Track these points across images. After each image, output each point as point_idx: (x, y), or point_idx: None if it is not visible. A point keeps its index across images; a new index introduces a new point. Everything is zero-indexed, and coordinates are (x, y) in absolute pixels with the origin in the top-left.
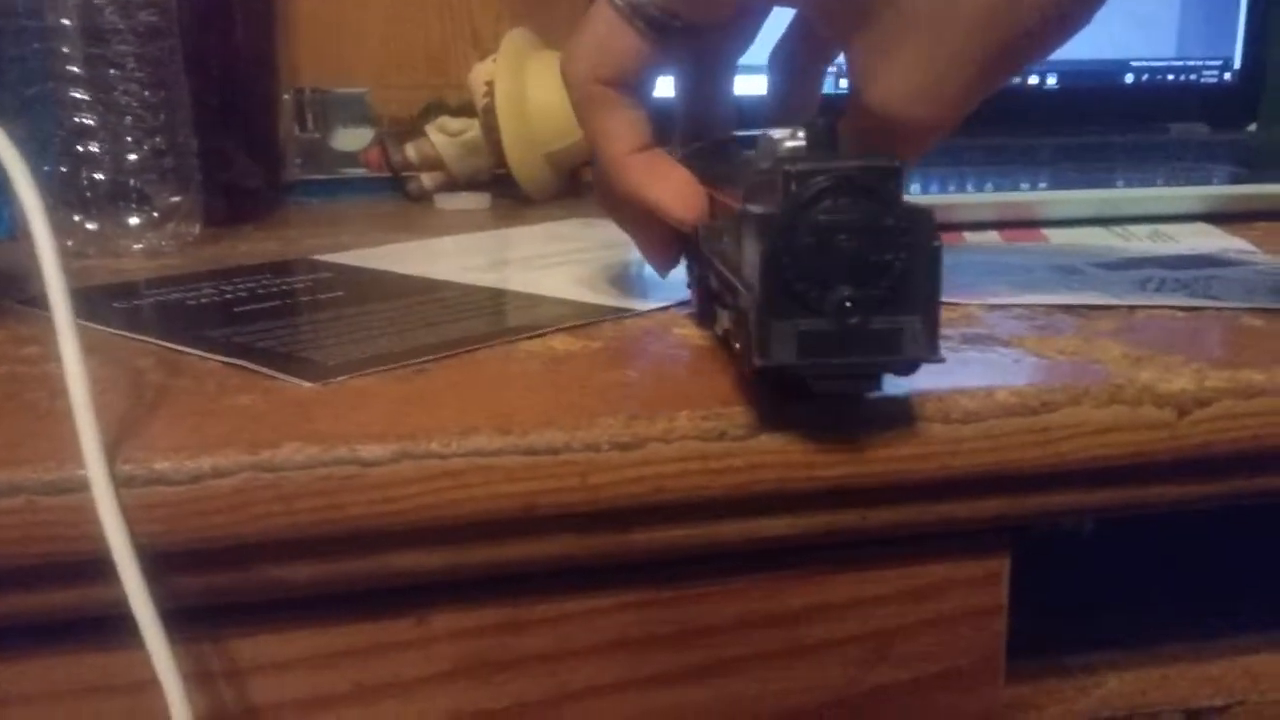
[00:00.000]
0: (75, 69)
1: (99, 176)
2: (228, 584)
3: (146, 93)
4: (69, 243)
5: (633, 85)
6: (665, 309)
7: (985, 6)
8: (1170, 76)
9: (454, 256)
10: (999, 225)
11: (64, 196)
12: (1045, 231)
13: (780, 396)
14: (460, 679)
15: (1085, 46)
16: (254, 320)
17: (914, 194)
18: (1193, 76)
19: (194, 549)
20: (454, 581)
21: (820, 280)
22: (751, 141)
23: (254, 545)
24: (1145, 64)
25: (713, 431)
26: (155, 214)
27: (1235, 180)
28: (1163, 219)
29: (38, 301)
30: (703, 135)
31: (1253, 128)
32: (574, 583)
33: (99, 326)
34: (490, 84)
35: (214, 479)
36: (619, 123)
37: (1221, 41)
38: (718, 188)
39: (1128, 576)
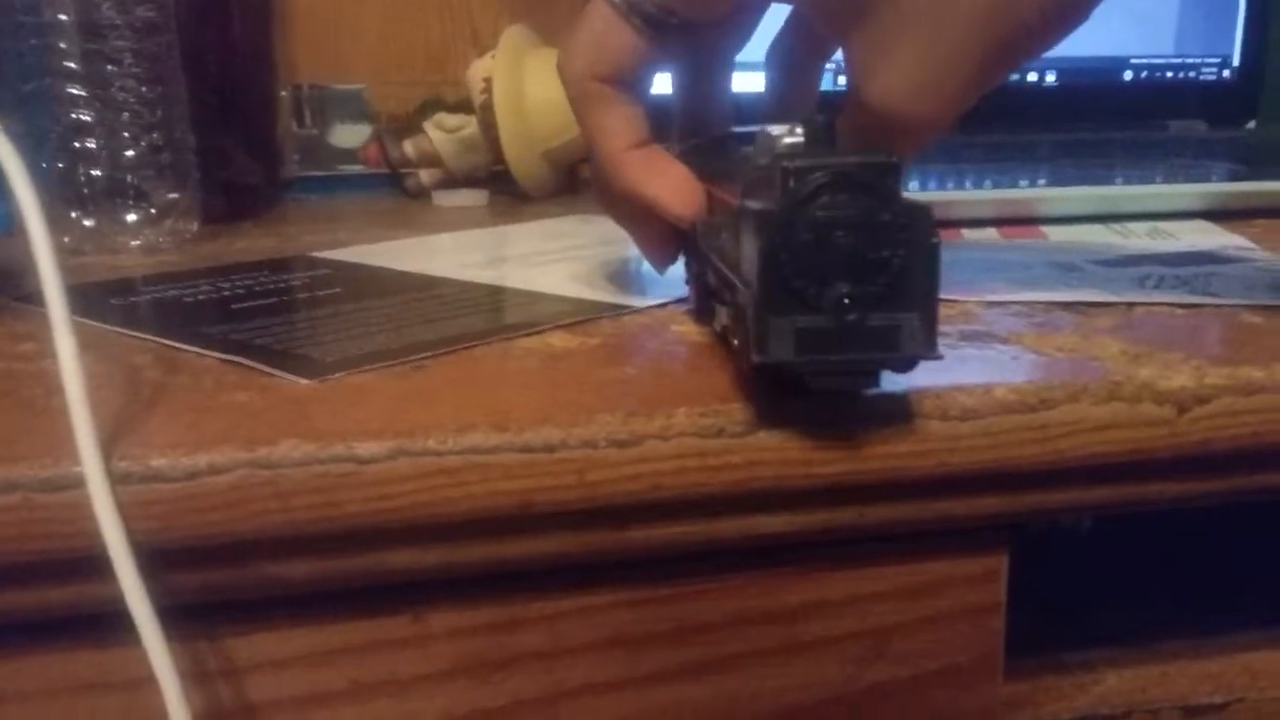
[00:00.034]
0: (72, 65)
1: (96, 173)
2: (224, 581)
3: (144, 88)
4: (66, 239)
5: (630, 82)
6: (663, 306)
7: (984, 3)
8: (1169, 74)
9: (452, 253)
10: (998, 222)
11: (61, 193)
12: (1044, 229)
13: (778, 393)
14: (457, 677)
15: (1084, 43)
16: (251, 317)
17: (913, 191)
18: (1192, 74)
19: (190, 546)
20: (451, 579)
21: (818, 277)
22: (749, 138)
23: (250, 542)
24: (1144, 61)
25: (710, 429)
26: (153, 210)
27: (1234, 177)
28: (1162, 216)
29: (34, 298)
30: (700, 132)
31: (1252, 125)
32: (571, 580)
33: (96, 323)
34: (488, 81)
35: (210, 476)
36: (616, 119)
37: (1220, 39)
38: (716, 184)
39: (1126, 574)
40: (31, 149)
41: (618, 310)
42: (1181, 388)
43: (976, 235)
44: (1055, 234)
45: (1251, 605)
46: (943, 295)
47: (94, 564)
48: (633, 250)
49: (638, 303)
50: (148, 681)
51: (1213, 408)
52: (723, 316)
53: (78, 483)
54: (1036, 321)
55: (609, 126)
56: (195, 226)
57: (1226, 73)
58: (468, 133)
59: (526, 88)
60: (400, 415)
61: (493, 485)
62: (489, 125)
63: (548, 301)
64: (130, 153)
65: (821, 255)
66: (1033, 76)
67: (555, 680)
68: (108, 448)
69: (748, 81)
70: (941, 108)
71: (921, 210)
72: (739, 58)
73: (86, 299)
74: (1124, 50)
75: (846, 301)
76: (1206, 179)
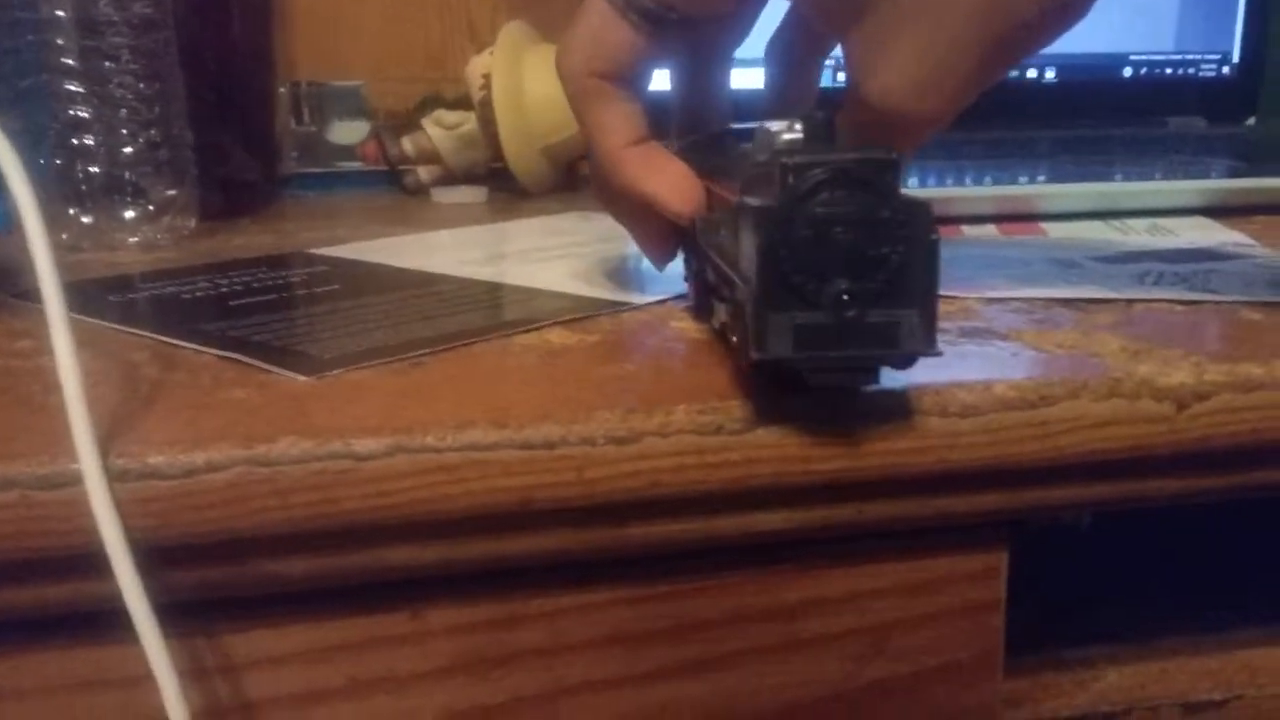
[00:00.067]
0: (70, 61)
1: (94, 170)
2: (222, 578)
3: (141, 85)
4: (64, 236)
5: (628, 79)
6: (662, 302)
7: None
8: (1169, 70)
9: (450, 250)
10: (997, 219)
11: (59, 190)
12: (1043, 225)
13: (777, 390)
14: (455, 674)
15: (1084, 40)
16: (249, 314)
17: (912, 187)
18: (1191, 70)
19: (188, 543)
20: (449, 576)
21: (817, 273)
22: (748, 134)
23: (248, 540)
24: (1144, 57)
25: (709, 426)
26: (150, 207)
27: (1234, 174)
28: (1161, 213)
29: (31, 295)
30: (699, 128)
31: (1251, 121)
32: (570, 577)
33: (94, 320)
34: (487, 77)
35: (208, 473)
36: (615, 116)
37: (1220, 35)
38: (715, 181)
39: (1126, 570)
40: (29, 146)
41: (617, 307)
42: (1181, 384)
43: (976, 232)
44: (1055, 230)
45: (1251, 602)
46: (942, 292)
47: (91, 561)
48: (632, 247)
49: (637, 299)
50: (146, 679)
51: (1212, 404)
52: (721, 313)
53: (75, 480)
54: (1036, 318)
55: (607, 123)
56: (193, 223)
57: (1226, 69)
58: (466, 129)
59: (525, 84)
60: (398, 412)
61: (491, 482)
62: (488, 122)
63: (547, 298)
64: (128, 149)
65: (821, 251)
66: (1032, 73)
67: (554, 677)
68: (105, 445)
69: (747, 78)
70: (941, 104)
71: (921, 207)
72: (738, 54)
73: (84, 296)
74: (1123, 47)
75: (846, 298)
76: (1206, 175)
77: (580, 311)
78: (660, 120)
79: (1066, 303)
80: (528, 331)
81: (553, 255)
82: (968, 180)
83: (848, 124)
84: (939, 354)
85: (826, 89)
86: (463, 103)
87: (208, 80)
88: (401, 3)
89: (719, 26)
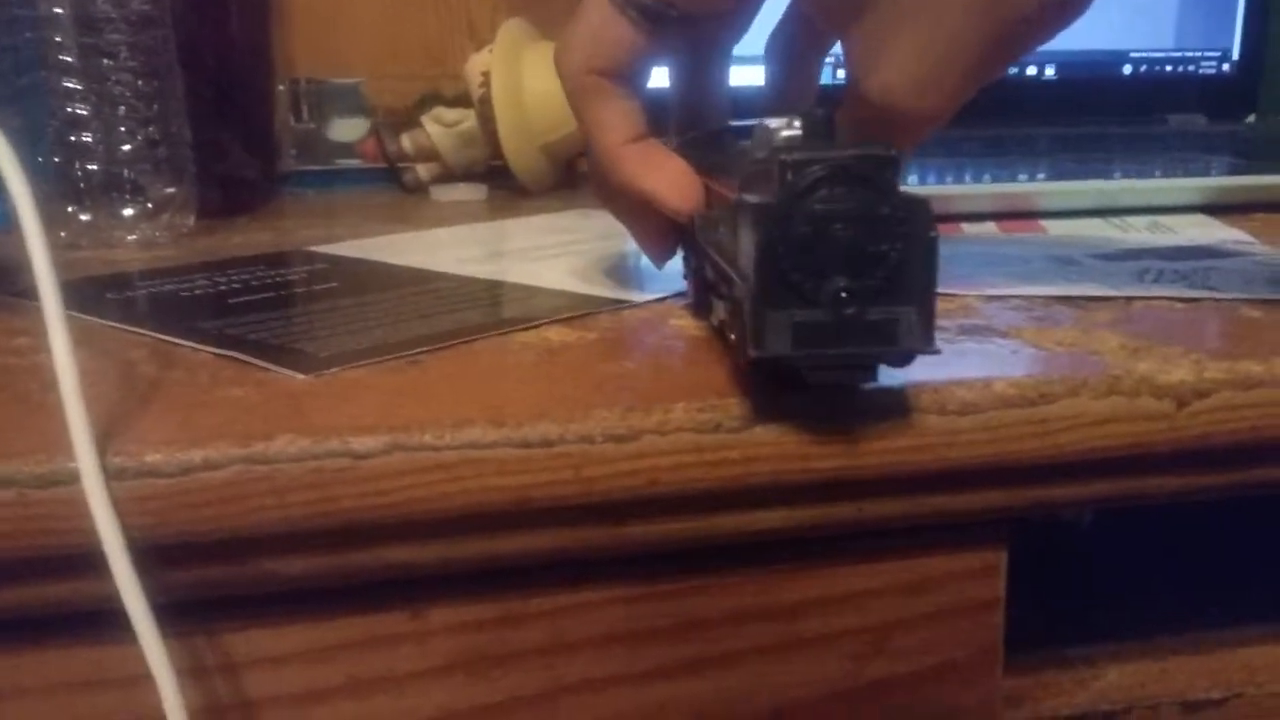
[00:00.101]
0: (68, 58)
1: (92, 167)
2: (220, 577)
3: (140, 82)
4: (62, 234)
5: (627, 76)
6: (662, 300)
7: None
8: (1169, 67)
9: (449, 248)
10: (997, 216)
11: (58, 187)
12: (1043, 223)
13: (775, 388)
14: (455, 673)
15: (1083, 37)
16: (248, 312)
17: (912, 185)
18: (1191, 67)
19: (186, 542)
20: (448, 575)
21: (816, 270)
22: (748, 131)
23: (246, 538)
24: (1144, 55)
25: (708, 424)
26: (149, 205)
27: (1233, 171)
28: (1161, 210)
29: (29, 293)
30: (698, 125)
31: (1251, 119)
32: (569, 576)
33: (92, 318)
34: (486, 75)
35: (205, 471)
36: (613, 113)
37: (1220, 32)
38: (714, 178)
39: (1126, 568)
40: (27, 143)
41: (616, 305)
42: (1181, 382)
43: (975, 229)
44: (1054, 228)
45: (1251, 600)
46: (942, 289)
47: (89, 560)
48: (631, 245)
49: (636, 297)
50: (145, 678)
51: (1212, 402)
52: (720, 311)
53: (72, 478)
54: (1036, 315)
55: (606, 121)
56: (192, 221)
57: (1226, 66)
58: (466, 127)
59: (524, 81)
60: (396, 410)
61: (489, 481)
62: (487, 119)
63: (545, 296)
64: (126, 147)
65: (819, 248)
66: (1032, 70)
67: (554, 676)
68: (103, 443)
69: (747, 75)
70: (940, 101)
71: (920, 204)
72: (739, 51)
73: (82, 294)
74: (1123, 44)
75: (844, 295)
76: (1206, 173)
77: (579, 309)
78: (659, 118)
79: (1066, 300)
80: (526, 329)
81: (552, 253)
82: (967, 178)
83: (848, 121)
84: (937, 352)
85: (826, 86)
86: (462, 100)
87: (206, 77)
88: (401, 1)
89: (718, 23)
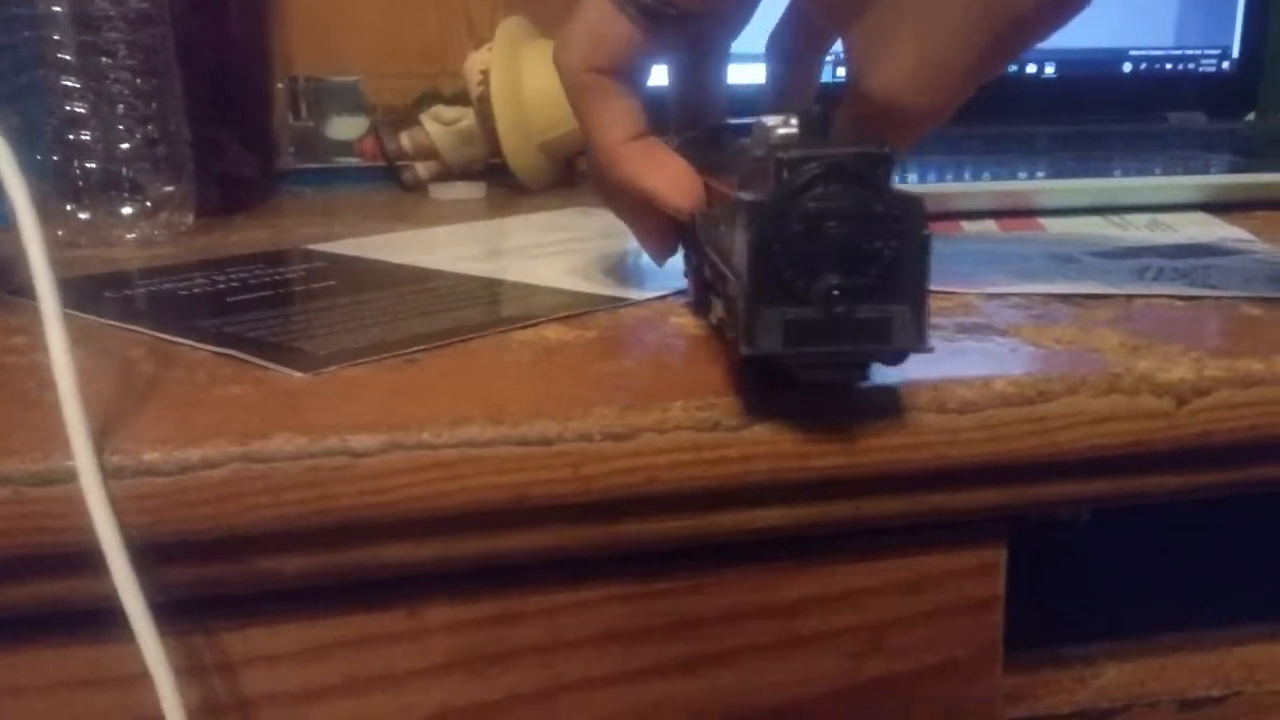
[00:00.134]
0: (66, 56)
1: (91, 165)
2: (218, 575)
3: (138, 80)
4: (61, 232)
5: (626, 73)
6: (662, 298)
7: None
8: (1168, 65)
9: (448, 246)
10: (996, 214)
11: (57, 186)
12: (1043, 220)
13: (770, 385)
14: (453, 671)
15: (1083, 35)
16: (246, 310)
17: (912, 182)
18: (1191, 65)
19: (183, 540)
20: (446, 573)
21: (809, 268)
22: (747, 129)
23: (244, 537)
24: (1143, 53)
25: (706, 422)
26: (148, 203)
27: (1233, 169)
28: (1161, 208)
29: (26, 291)
30: (696, 122)
31: (1251, 116)
32: (567, 574)
33: (90, 316)
34: (485, 73)
35: (203, 470)
36: (613, 111)
37: (1220, 30)
38: (714, 176)
39: (1125, 567)
40: (26, 142)
41: (615, 303)
42: (1180, 380)
43: (975, 227)
44: (1054, 226)
45: (1250, 598)
46: (941, 287)
47: (87, 559)
48: (631, 243)
49: (635, 295)
50: (142, 677)
51: (1212, 400)
52: (718, 309)
53: (70, 477)
54: (1035, 313)
55: (606, 118)
56: (190, 219)
57: (1226, 64)
58: (464, 125)
59: (524, 79)
60: (394, 408)
61: (487, 479)
62: (486, 117)
63: (544, 294)
64: (125, 145)
65: (813, 246)
66: (1032, 68)
67: (552, 674)
68: (100, 441)
69: (748, 73)
70: (941, 98)
71: (914, 202)
72: (739, 49)
73: (81, 292)
74: (1123, 42)
75: (836, 293)
76: (1206, 171)
77: (578, 307)
78: (658, 115)
79: (1066, 298)
80: (525, 328)
81: (551, 251)
82: (967, 175)
83: (847, 118)
84: (930, 350)
85: (827, 84)
86: (461, 98)
87: (205, 76)
88: None
89: (716, 21)
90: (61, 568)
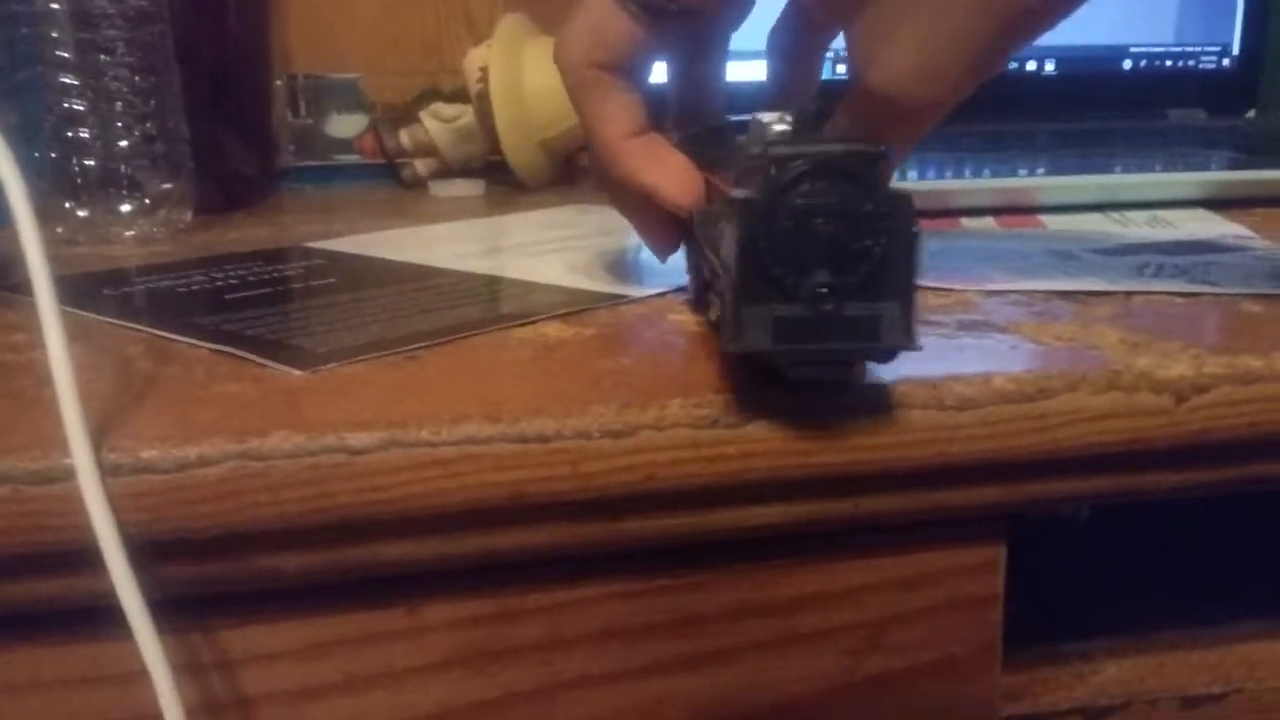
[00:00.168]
0: (65, 54)
1: (90, 163)
2: (216, 573)
3: (137, 78)
4: (60, 230)
5: (628, 69)
6: (661, 295)
7: None
8: (1169, 62)
9: (448, 243)
10: (996, 211)
11: (55, 183)
12: (1043, 218)
13: (761, 383)
14: (452, 669)
15: (1084, 32)
16: (245, 308)
17: (912, 179)
18: (1191, 62)
19: (181, 538)
20: (445, 571)
21: (798, 265)
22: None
23: (242, 535)
24: (1144, 50)
25: (705, 419)
26: (147, 201)
27: (1234, 166)
28: (1161, 205)
29: (24, 288)
30: (695, 119)
31: (1251, 113)
32: (566, 572)
33: (88, 314)
34: (484, 70)
35: (201, 468)
36: (614, 107)
37: (1220, 27)
38: (714, 172)
39: (1125, 564)
40: (24, 139)
41: (614, 300)
42: (1180, 377)
43: (975, 224)
44: (1054, 223)
45: (1250, 595)
46: (941, 284)
47: (85, 556)
48: (631, 240)
49: (635, 293)
50: (140, 675)
51: (1211, 397)
52: (716, 306)
53: (68, 475)
54: (1035, 310)
55: (607, 114)
56: (189, 217)
57: (1226, 61)
58: (464, 122)
59: (523, 76)
60: (393, 406)
61: (486, 476)
62: (485, 115)
63: (543, 292)
64: (124, 143)
65: (801, 243)
66: (1032, 65)
67: (551, 672)
68: (98, 439)
69: (749, 70)
70: (944, 90)
71: (903, 199)
72: (742, 47)
73: (79, 289)
74: (1123, 39)
75: (824, 290)
76: (1206, 168)
77: (577, 305)
78: (658, 112)
79: (1065, 295)
80: (524, 325)
81: (550, 248)
82: (967, 173)
83: (851, 114)
84: (918, 349)
85: (829, 81)
86: (460, 95)
87: (204, 73)
88: None
89: (717, 15)
90: (59, 565)
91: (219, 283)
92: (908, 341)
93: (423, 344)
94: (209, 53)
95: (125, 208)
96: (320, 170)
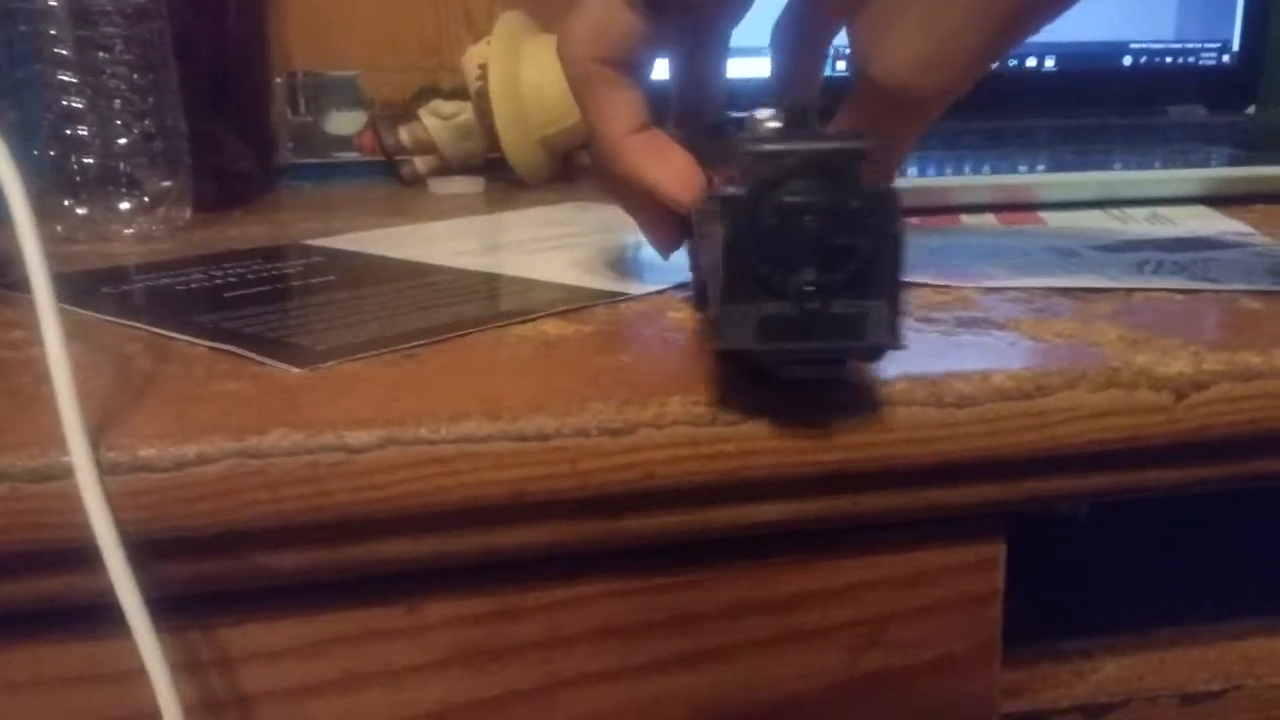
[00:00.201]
0: (63, 51)
1: (88, 161)
2: (215, 572)
3: (135, 75)
4: (58, 228)
5: (630, 65)
6: (661, 293)
7: None
8: (1169, 59)
9: (447, 241)
10: (996, 208)
11: (54, 181)
12: (1043, 214)
13: (751, 381)
14: (452, 667)
15: (1083, 28)
16: (244, 305)
17: (911, 176)
18: (1191, 59)
19: (180, 536)
20: (444, 569)
21: (783, 263)
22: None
23: (240, 533)
24: (1144, 46)
25: (704, 417)
26: (145, 198)
27: (1233, 162)
28: (1161, 201)
29: (23, 286)
30: (696, 115)
31: (1251, 110)
32: (565, 570)
33: (87, 311)
34: (483, 67)
35: (199, 466)
36: (617, 103)
37: (1220, 23)
38: (715, 170)
39: (1124, 561)
40: (23, 137)
41: (614, 297)
42: (1179, 374)
43: (974, 221)
44: (1054, 219)
45: (1249, 592)
46: (940, 281)
47: (83, 555)
48: (631, 237)
49: (634, 290)
50: (139, 673)
51: (1210, 394)
52: (713, 305)
53: (66, 473)
54: (1034, 307)
55: (609, 110)
56: (188, 214)
57: (1226, 57)
58: (463, 119)
59: (522, 74)
60: (392, 404)
61: (485, 474)
62: (484, 112)
63: (543, 289)
64: (122, 140)
65: (787, 241)
66: (1032, 62)
67: (551, 670)
68: (96, 437)
69: (752, 67)
70: (948, 80)
71: (889, 197)
72: (745, 44)
73: (78, 287)
74: (1123, 35)
75: (810, 288)
76: (1206, 164)
77: (576, 302)
78: (659, 109)
79: (1065, 292)
80: (523, 322)
81: (549, 246)
82: (967, 169)
83: (853, 108)
84: (904, 348)
85: (829, 78)
86: (459, 93)
87: (202, 70)
88: None
89: (719, 10)
90: (58, 564)
91: (218, 280)
92: (893, 340)
93: (422, 342)
94: (208, 50)
95: (124, 205)
96: (319, 168)
